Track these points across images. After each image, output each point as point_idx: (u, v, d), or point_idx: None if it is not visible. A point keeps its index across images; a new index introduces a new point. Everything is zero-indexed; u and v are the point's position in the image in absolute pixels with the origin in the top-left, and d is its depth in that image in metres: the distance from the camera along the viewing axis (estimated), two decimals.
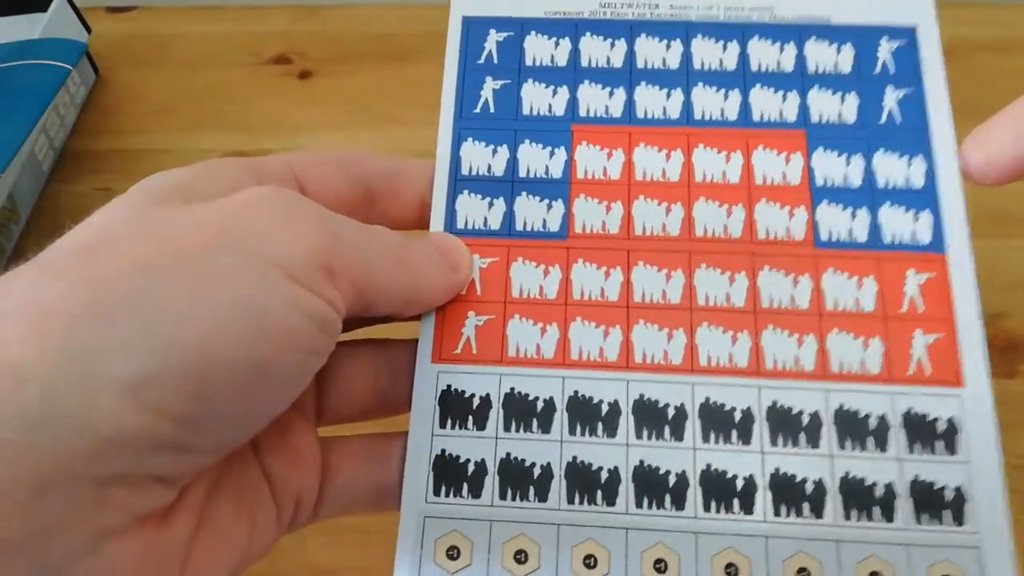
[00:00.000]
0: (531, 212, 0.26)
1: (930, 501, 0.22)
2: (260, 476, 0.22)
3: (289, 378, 0.19)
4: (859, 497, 0.22)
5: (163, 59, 0.51)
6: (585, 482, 0.23)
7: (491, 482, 0.23)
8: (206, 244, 0.18)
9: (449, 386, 0.24)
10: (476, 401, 0.24)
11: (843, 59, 0.27)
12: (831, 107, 0.26)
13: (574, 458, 0.23)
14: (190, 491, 0.19)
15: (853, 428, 0.23)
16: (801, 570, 0.22)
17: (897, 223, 0.25)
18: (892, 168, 0.25)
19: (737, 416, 0.23)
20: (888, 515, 0.22)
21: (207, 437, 0.18)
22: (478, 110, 0.27)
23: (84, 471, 0.16)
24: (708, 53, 0.27)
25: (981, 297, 0.24)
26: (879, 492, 0.22)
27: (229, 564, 0.20)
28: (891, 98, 0.26)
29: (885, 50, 0.27)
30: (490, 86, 0.27)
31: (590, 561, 0.22)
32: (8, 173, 0.42)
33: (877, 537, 0.22)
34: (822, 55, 0.27)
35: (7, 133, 0.40)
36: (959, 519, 0.22)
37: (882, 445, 0.23)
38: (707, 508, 0.22)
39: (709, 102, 0.27)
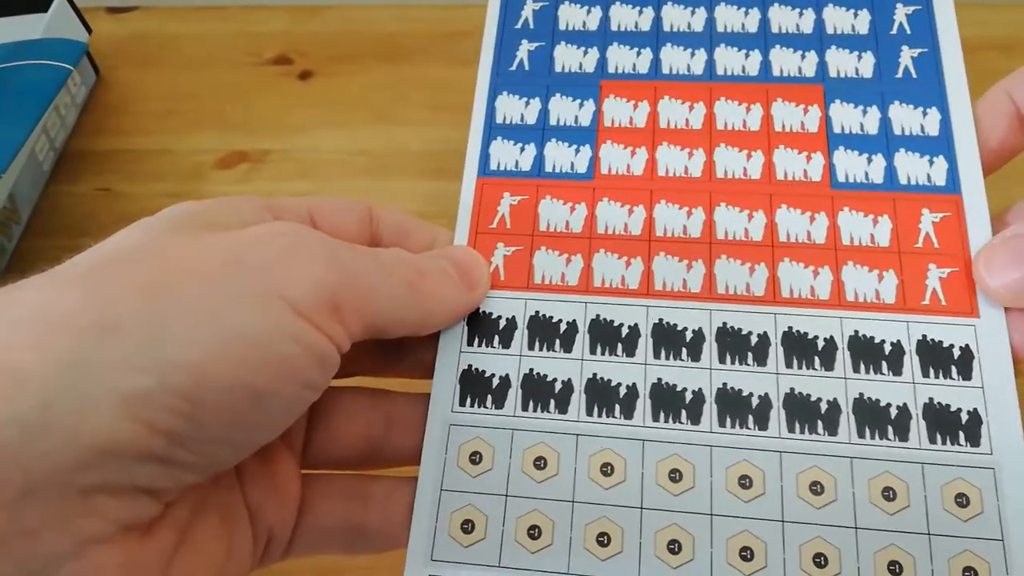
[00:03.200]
0: (560, 156, 0.27)
1: (944, 422, 0.22)
2: (241, 503, 0.22)
3: (282, 408, 0.20)
4: (873, 417, 0.23)
5: (163, 59, 0.51)
6: (604, 397, 0.24)
7: (514, 394, 0.24)
8: (214, 271, 0.18)
9: (478, 308, 0.25)
10: (503, 323, 0.25)
11: (860, 22, 0.28)
12: (848, 64, 0.27)
13: (594, 375, 0.24)
14: (176, 507, 0.20)
15: (867, 352, 0.23)
16: (815, 483, 0.22)
17: (912, 167, 0.26)
18: (907, 118, 0.26)
19: (754, 340, 0.24)
20: (902, 435, 0.22)
21: (195, 456, 0.18)
22: (513, 68, 0.29)
23: (72, 478, 0.16)
24: (730, 17, 0.29)
25: None
26: (893, 413, 0.23)
27: None
28: (907, 56, 0.27)
29: (901, 14, 0.28)
30: (525, 48, 0.29)
31: (607, 469, 0.23)
32: (9, 173, 0.42)
33: (890, 455, 0.22)
34: (840, 19, 0.28)
35: (8, 133, 0.40)
36: (974, 440, 0.22)
37: (896, 369, 0.23)
38: (722, 424, 0.23)
39: (731, 60, 0.28)
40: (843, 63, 0.28)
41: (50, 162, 0.47)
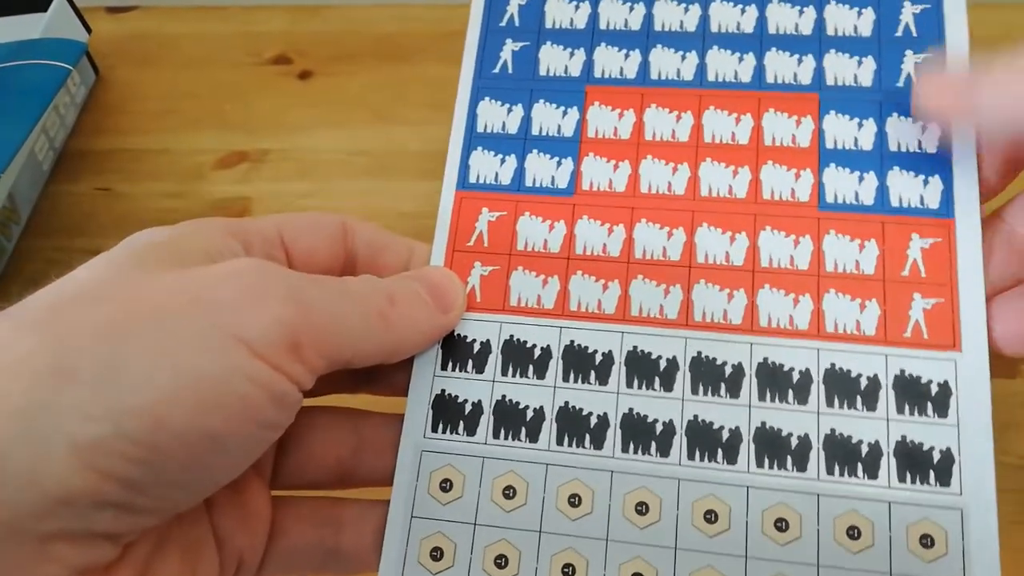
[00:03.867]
0: (541, 169, 0.27)
1: (916, 461, 0.22)
2: (208, 532, 0.22)
3: (240, 449, 0.20)
4: (843, 454, 0.23)
5: (163, 59, 0.51)
6: (575, 426, 0.24)
7: (486, 422, 0.24)
8: (173, 312, 0.18)
9: (453, 331, 0.25)
10: (477, 346, 0.25)
11: (863, 23, 0.27)
12: (847, 70, 0.26)
13: (566, 403, 0.24)
14: (136, 547, 0.20)
15: (843, 387, 0.23)
16: (780, 520, 0.22)
17: (906, 187, 0.25)
18: (905, 132, 0.25)
19: (727, 371, 0.24)
20: (872, 473, 0.22)
21: (153, 500, 0.18)
22: (496, 70, 0.28)
23: (30, 526, 0.16)
24: (726, 16, 0.27)
25: None
26: (864, 450, 0.23)
27: None
28: (910, 62, 0.26)
29: (908, 14, 0.26)
30: (509, 48, 0.28)
31: (575, 500, 0.23)
32: (8, 173, 0.42)
33: (858, 493, 0.22)
34: (842, 19, 0.27)
35: (7, 133, 0.40)
36: (944, 480, 0.22)
37: (871, 404, 0.23)
38: (691, 456, 0.23)
39: (723, 64, 0.27)
40: (841, 69, 0.26)
41: (49, 162, 0.47)
